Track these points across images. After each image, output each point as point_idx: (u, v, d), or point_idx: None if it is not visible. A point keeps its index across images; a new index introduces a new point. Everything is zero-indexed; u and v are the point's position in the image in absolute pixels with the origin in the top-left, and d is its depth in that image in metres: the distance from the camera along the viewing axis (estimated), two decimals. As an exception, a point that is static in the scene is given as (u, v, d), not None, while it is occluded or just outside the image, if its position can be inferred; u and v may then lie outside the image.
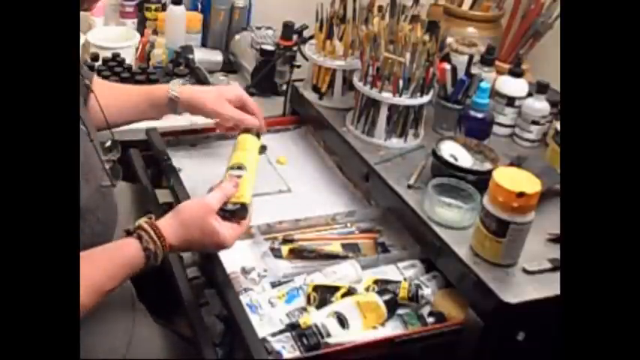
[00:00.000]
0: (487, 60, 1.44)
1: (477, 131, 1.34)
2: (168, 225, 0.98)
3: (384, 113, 1.35)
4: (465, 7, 1.77)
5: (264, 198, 1.37)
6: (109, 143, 1.16)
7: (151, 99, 1.30)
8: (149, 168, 1.41)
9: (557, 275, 1.03)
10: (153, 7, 1.96)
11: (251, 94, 1.76)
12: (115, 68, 1.67)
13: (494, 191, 1.01)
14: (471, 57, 1.40)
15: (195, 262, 1.25)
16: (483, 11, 1.76)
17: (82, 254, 0.86)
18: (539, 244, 1.11)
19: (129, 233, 0.96)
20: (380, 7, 1.44)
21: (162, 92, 1.29)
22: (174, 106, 1.30)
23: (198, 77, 1.78)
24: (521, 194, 0.99)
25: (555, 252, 1.09)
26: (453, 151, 1.25)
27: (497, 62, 1.54)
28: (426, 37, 1.30)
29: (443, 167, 1.21)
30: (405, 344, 1.04)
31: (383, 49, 1.32)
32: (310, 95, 1.55)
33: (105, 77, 1.62)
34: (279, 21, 1.79)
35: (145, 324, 1.10)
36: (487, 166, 1.23)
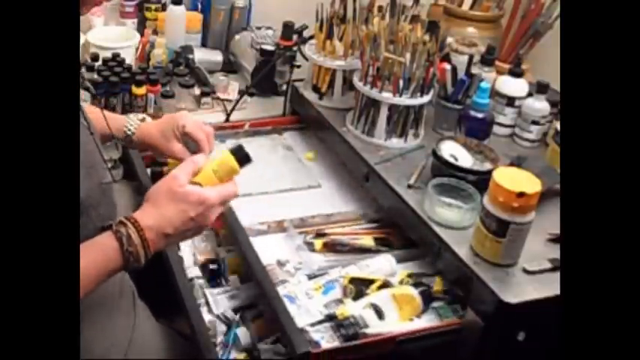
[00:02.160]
0: (487, 60, 1.44)
1: (477, 131, 1.34)
2: (140, 209, 0.93)
3: (384, 113, 1.35)
4: (465, 7, 1.77)
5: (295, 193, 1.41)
6: (109, 144, 1.16)
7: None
8: (149, 167, 1.41)
9: (557, 275, 1.03)
10: (153, 7, 1.96)
11: (251, 94, 1.77)
12: (115, 68, 1.66)
13: (495, 191, 1.01)
14: (471, 57, 1.40)
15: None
16: (483, 11, 1.76)
17: None
18: (539, 244, 1.11)
19: (103, 229, 0.92)
20: (380, 7, 1.44)
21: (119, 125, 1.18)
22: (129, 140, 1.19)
23: (198, 77, 1.78)
24: (521, 194, 0.99)
25: (555, 252, 1.09)
26: (453, 151, 1.25)
27: (497, 62, 1.54)
28: (426, 37, 1.30)
29: (443, 167, 1.21)
30: (406, 344, 1.04)
31: (383, 49, 1.32)
32: (310, 95, 1.55)
33: (105, 77, 1.62)
34: (279, 21, 1.79)
35: (146, 321, 1.10)
36: (487, 166, 1.23)
